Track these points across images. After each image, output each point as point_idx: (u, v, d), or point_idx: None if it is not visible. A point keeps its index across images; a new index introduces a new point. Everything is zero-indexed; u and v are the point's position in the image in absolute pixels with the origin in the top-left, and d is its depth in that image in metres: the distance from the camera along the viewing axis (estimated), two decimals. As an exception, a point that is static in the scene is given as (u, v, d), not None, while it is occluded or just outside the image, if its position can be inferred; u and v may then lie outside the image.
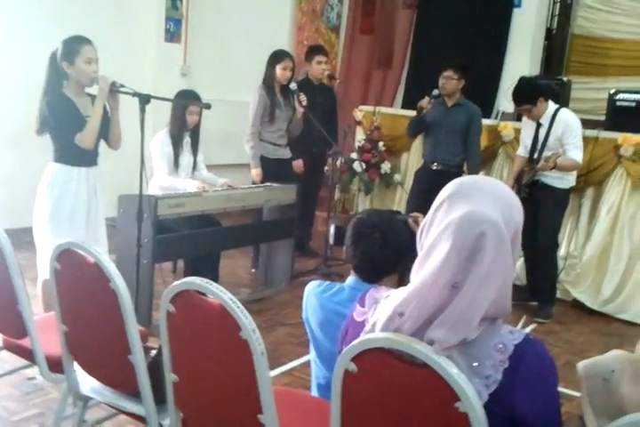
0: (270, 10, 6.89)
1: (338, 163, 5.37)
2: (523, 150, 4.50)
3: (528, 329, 4.14)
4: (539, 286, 4.48)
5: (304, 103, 4.70)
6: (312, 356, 2.02)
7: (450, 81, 4.71)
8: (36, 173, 3.26)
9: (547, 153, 4.18)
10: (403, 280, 1.85)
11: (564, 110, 4.27)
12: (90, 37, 3.15)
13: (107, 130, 3.23)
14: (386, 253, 1.88)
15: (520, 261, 4.72)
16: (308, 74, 5.26)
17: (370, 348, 1.30)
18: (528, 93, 4.22)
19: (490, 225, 1.22)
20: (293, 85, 4.72)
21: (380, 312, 1.35)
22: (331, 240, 2.64)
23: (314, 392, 2.03)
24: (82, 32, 3.18)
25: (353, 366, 1.33)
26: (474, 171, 4.77)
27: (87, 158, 3.21)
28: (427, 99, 4.76)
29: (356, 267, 1.94)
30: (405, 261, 1.85)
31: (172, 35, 5.95)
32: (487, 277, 1.22)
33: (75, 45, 3.07)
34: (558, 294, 4.60)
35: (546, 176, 4.24)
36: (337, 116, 5.54)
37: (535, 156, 4.29)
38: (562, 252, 4.69)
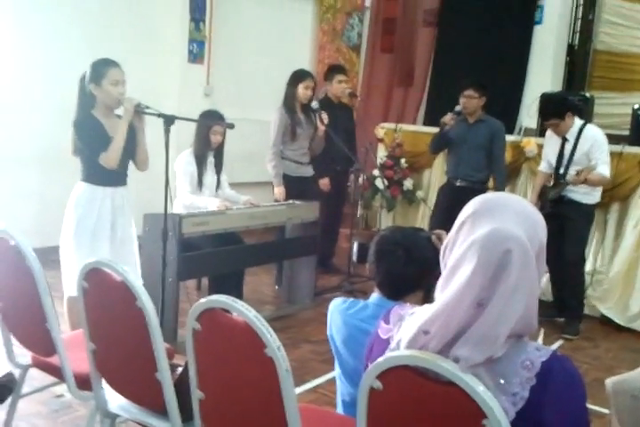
0: (291, 30, 6.99)
1: (360, 180, 5.40)
2: (545, 166, 4.48)
3: (555, 346, 4.09)
4: (566, 302, 4.44)
5: (326, 121, 4.73)
6: (337, 373, 2.02)
7: (471, 100, 4.72)
8: (64, 193, 3.32)
9: (573, 168, 4.16)
10: (428, 297, 1.85)
11: (590, 126, 4.26)
12: (115, 59, 3.22)
13: (134, 151, 3.29)
14: (409, 270, 1.87)
15: (546, 277, 4.68)
16: (328, 93, 5.30)
17: (395, 365, 1.30)
18: (556, 108, 4.23)
19: (515, 242, 1.22)
20: (315, 104, 4.75)
21: (405, 330, 1.35)
22: (354, 257, 2.61)
23: (339, 409, 2.03)
24: (108, 55, 3.25)
25: (378, 384, 1.33)
26: (500, 186, 4.75)
27: (113, 178, 3.26)
28: (449, 115, 4.78)
29: (379, 284, 1.94)
30: (430, 279, 1.85)
31: (196, 56, 6.05)
32: (513, 294, 1.22)
33: (102, 68, 3.14)
34: (586, 310, 4.54)
35: (572, 191, 4.21)
36: (355, 134, 5.57)
37: (561, 171, 4.27)
38: (588, 267, 4.64)
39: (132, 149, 3.26)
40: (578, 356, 3.94)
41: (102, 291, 2.00)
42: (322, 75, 5.61)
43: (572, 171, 4.15)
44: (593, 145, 4.13)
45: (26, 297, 2.23)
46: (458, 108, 4.77)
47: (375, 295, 1.95)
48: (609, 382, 1.56)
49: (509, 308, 1.22)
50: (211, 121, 4.10)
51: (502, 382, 1.23)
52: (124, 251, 3.30)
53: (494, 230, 1.24)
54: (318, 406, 2.54)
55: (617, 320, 4.53)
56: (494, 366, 1.24)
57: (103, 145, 3.14)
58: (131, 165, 3.38)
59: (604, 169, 4.11)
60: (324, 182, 5.12)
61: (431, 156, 5.54)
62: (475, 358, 1.21)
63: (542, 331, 2.55)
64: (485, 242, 1.24)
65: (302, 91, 4.72)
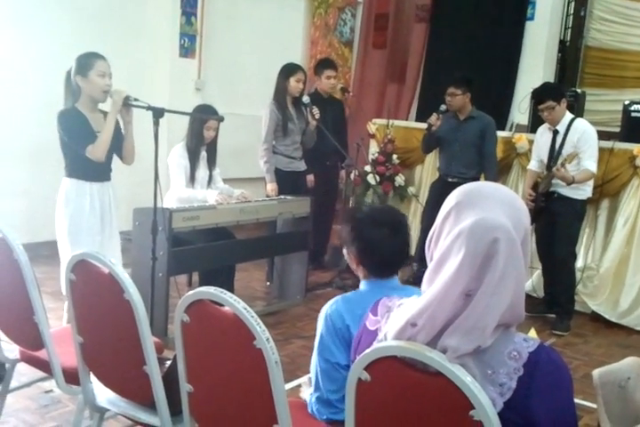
0: (284, 25, 6.97)
1: (352, 176, 5.39)
2: (535, 164, 4.49)
3: (547, 342, 4.10)
4: (556, 299, 4.44)
5: (317, 116, 4.72)
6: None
7: (454, 97, 4.73)
8: (52, 189, 3.30)
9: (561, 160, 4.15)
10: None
11: (580, 119, 4.28)
12: (106, 53, 3.20)
13: (120, 144, 3.26)
14: (398, 244, 1.90)
15: (537, 273, 4.69)
16: (317, 88, 5.28)
17: (383, 356, 1.29)
18: (554, 90, 4.27)
19: (501, 231, 1.22)
20: (306, 98, 4.74)
21: (393, 322, 1.34)
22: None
23: None
24: (98, 48, 3.24)
25: (366, 375, 1.32)
26: (491, 181, 4.75)
27: (98, 173, 3.23)
28: (435, 115, 4.79)
29: (370, 265, 1.90)
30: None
31: (187, 50, 6.02)
32: (501, 282, 1.22)
33: (88, 60, 3.12)
34: (576, 307, 4.54)
35: (562, 187, 4.21)
36: (346, 128, 5.54)
37: (551, 164, 4.27)
38: (579, 264, 4.65)
39: (118, 143, 3.24)
40: (568, 352, 3.95)
41: (90, 283, 1.99)
42: (313, 70, 5.58)
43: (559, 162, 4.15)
44: (581, 138, 4.14)
45: (13, 290, 2.22)
46: (442, 107, 4.78)
47: (365, 282, 1.93)
48: (596, 373, 1.56)
49: (497, 297, 1.22)
50: (205, 115, 4.07)
51: (490, 372, 1.23)
52: (110, 246, 3.29)
53: (480, 220, 1.24)
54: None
55: (607, 316, 4.54)
56: (482, 356, 1.23)
57: (88, 139, 3.11)
58: (116, 160, 3.35)
59: (589, 164, 4.12)
60: (310, 179, 5.11)
61: (423, 154, 5.54)
62: (463, 348, 1.21)
63: (532, 330, 2.54)
64: (472, 232, 1.23)
65: (294, 84, 4.70)
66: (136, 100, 3.17)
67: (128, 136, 3.27)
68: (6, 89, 4.97)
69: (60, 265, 3.21)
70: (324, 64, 5.34)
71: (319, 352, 1.88)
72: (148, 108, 3.16)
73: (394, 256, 1.90)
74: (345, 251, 1.96)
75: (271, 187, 4.75)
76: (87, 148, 3.10)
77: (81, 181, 3.18)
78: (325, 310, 1.91)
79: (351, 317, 1.85)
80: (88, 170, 3.18)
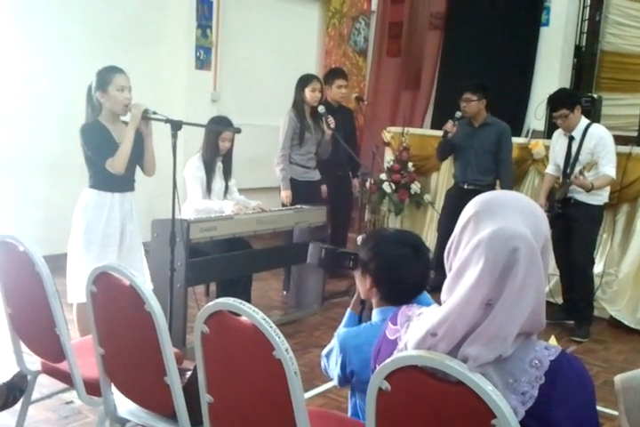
0: (298, 35, 7.02)
1: (367, 184, 5.39)
2: (552, 168, 4.47)
3: (568, 350, 4.06)
4: (575, 305, 4.41)
5: (332, 125, 4.74)
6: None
7: (469, 103, 4.72)
8: (72, 200, 3.33)
9: (579, 167, 4.13)
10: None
11: (596, 125, 4.26)
12: (123, 67, 3.24)
13: (141, 156, 3.30)
14: (422, 272, 1.81)
15: (555, 280, 4.65)
16: (328, 97, 5.29)
17: (403, 366, 1.29)
18: (568, 98, 4.24)
19: (521, 240, 1.22)
20: (322, 108, 4.76)
21: (413, 332, 1.34)
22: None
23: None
24: (114, 61, 3.28)
25: (386, 385, 1.32)
26: (507, 189, 4.73)
27: (121, 184, 3.27)
28: (450, 122, 4.78)
29: (390, 292, 1.80)
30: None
31: (203, 62, 6.07)
32: (521, 291, 1.21)
33: (106, 75, 3.16)
34: (595, 313, 4.51)
35: (579, 193, 4.19)
36: (356, 137, 5.53)
37: (568, 171, 4.25)
38: (597, 269, 4.61)
39: (139, 155, 3.28)
40: (588, 358, 3.91)
41: (111, 295, 2.00)
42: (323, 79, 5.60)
43: (577, 169, 4.13)
44: (598, 143, 4.12)
45: (35, 303, 2.24)
46: (458, 114, 4.77)
47: (378, 311, 1.84)
48: (618, 379, 1.55)
49: (518, 306, 1.21)
50: (220, 127, 4.10)
51: (511, 381, 1.22)
52: (131, 257, 3.31)
53: (499, 230, 1.23)
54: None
55: (626, 322, 4.50)
56: (503, 365, 1.23)
57: (110, 151, 3.15)
58: (138, 171, 3.39)
59: (608, 169, 4.09)
60: (324, 190, 5.15)
61: (439, 161, 5.53)
62: (484, 358, 1.21)
63: (552, 337, 2.51)
64: (491, 242, 1.23)
65: (309, 94, 4.73)
66: (154, 113, 3.20)
67: (148, 149, 3.30)
68: (27, 102, 5.03)
69: (67, 272, 3.24)
70: (334, 73, 5.38)
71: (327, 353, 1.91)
72: (167, 120, 3.18)
73: (412, 279, 1.80)
74: (358, 275, 1.86)
75: (285, 194, 4.77)
76: (107, 161, 3.13)
77: (102, 192, 3.23)
78: (341, 337, 1.85)
79: (358, 360, 1.78)
80: (111, 181, 3.22)
